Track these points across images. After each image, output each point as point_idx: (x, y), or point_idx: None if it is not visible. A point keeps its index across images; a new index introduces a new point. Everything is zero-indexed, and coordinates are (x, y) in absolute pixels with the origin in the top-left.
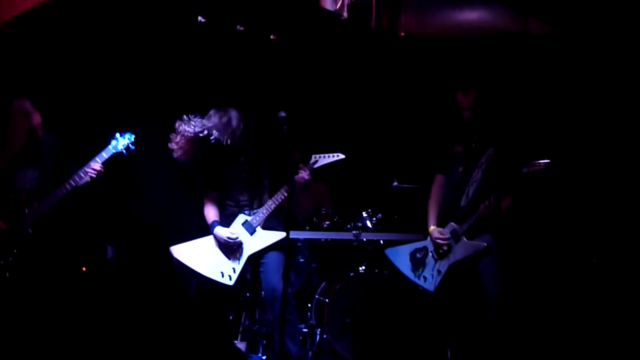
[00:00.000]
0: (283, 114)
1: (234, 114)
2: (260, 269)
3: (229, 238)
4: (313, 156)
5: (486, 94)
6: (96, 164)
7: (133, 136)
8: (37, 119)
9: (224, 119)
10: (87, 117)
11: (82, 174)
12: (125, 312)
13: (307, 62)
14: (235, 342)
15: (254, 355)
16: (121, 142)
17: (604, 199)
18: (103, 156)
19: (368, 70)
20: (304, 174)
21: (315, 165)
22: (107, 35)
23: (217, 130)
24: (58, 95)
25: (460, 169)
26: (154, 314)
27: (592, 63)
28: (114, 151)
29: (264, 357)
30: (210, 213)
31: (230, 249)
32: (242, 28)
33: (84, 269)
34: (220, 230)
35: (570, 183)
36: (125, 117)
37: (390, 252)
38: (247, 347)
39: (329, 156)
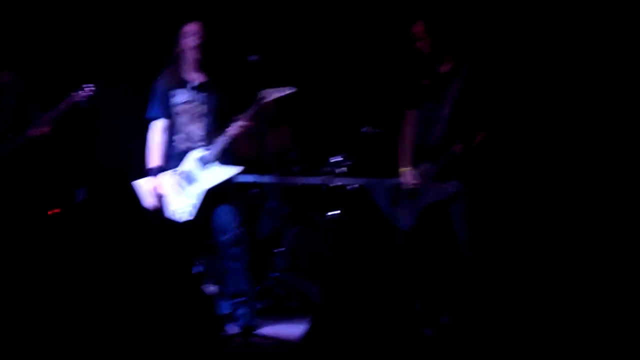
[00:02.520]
0: (255, 57)
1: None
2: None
3: (185, 174)
4: (259, 92)
5: (442, 25)
6: (44, 127)
7: (92, 87)
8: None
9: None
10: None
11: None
12: (95, 254)
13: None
14: (207, 285)
15: (223, 301)
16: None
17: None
18: (58, 109)
19: (333, 10)
20: (243, 123)
21: (264, 101)
22: None
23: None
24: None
25: (428, 104)
26: (120, 256)
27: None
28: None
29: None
30: (156, 151)
31: (181, 186)
32: None
33: (50, 212)
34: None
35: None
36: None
37: (370, 185)
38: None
39: (278, 90)
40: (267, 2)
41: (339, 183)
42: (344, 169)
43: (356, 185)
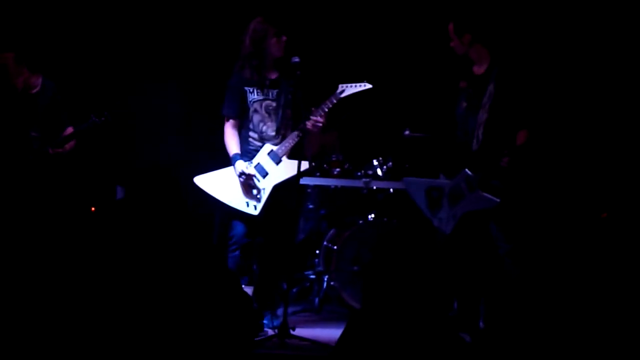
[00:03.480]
0: (297, 59)
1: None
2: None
3: (245, 171)
4: (340, 85)
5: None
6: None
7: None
8: (25, 77)
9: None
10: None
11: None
12: (136, 248)
13: (325, 16)
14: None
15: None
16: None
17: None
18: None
19: (379, 25)
20: (317, 119)
21: (342, 95)
22: None
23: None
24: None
25: (465, 104)
26: (157, 259)
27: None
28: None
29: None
30: (232, 144)
31: (248, 182)
32: None
33: (92, 209)
34: (240, 164)
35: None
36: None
37: (408, 184)
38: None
39: (355, 86)
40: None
41: (380, 186)
42: (385, 171)
43: (396, 188)
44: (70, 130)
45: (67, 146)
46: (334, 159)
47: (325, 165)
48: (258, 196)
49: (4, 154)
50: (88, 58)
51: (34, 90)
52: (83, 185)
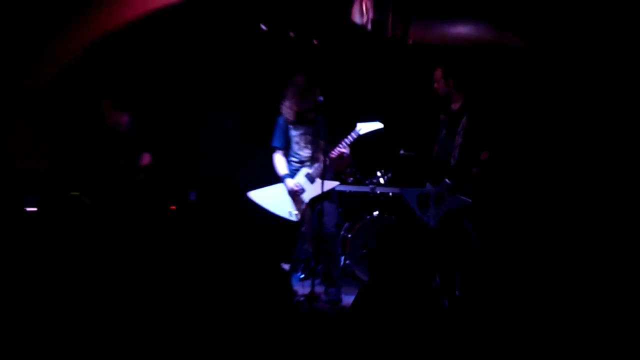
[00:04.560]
0: (321, 98)
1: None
2: (317, 214)
3: (294, 186)
4: (358, 124)
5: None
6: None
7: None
8: (115, 117)
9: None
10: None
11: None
12: (203, 238)
13: (342, 62)
14: (283, 264)
15: (294, 274)
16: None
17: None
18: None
19: (386, 67)
20: (344, 151)
21: (361, 132)
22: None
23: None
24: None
25: (445, 131)
26: (222, 243)
27: (551, 69)
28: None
29: (302, 275)
30: (281, 167)
31: (295, 195)
32: (293, 35)
33: (173, 207)
34: (289, 181)
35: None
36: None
37: (404, 192)
38: (290, 268)
39: (371, 125)
40: (338, 61)
41: (382, 191)
42: (386, 180)
43: (394, 193)
44: (147, 156)
45: (143, 166)
46: (348, 171)
47: (342, 176)
48: (298, 207)
49: (100, 177)
50: (166, 99)
51: (122, 127)
52: (165, 191)
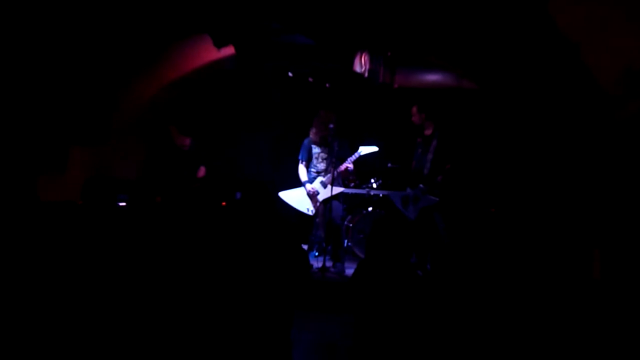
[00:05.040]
0: (332, 126)
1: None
2: (328, 209)
3: (312, 190)
4: (360, 147)
5: (433, 116)
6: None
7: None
8: (181, 140)
9: (324, 125)
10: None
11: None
12: (246, 226)
13: (347, 100)
14: (303, 245)
15: (311, 252)
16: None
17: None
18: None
19: (379, 104)
20: (349, 165)
21: (362, 153)
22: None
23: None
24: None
25: (420, 150)
26: (260, 229)
27: (496, 105)
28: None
29: (316, 254)
30: (303, 175)
31: (312, 196)
32: (311, 80)
33: (224, 203)
34: (308, 186)
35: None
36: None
37: (390, 194)
38: (308, 248)
39: (369, 148)
40: (344, 100)
41: (375, 193)
42: (378, 185)
43: (383, 195)
44: (203, 169)
45: (200, 177)
46: (351, 178)
47: (346, 182)
48: (314, 205)
49: (169, 187)
50: (218, 126)
51: (186, 148)
52: (219, 192)
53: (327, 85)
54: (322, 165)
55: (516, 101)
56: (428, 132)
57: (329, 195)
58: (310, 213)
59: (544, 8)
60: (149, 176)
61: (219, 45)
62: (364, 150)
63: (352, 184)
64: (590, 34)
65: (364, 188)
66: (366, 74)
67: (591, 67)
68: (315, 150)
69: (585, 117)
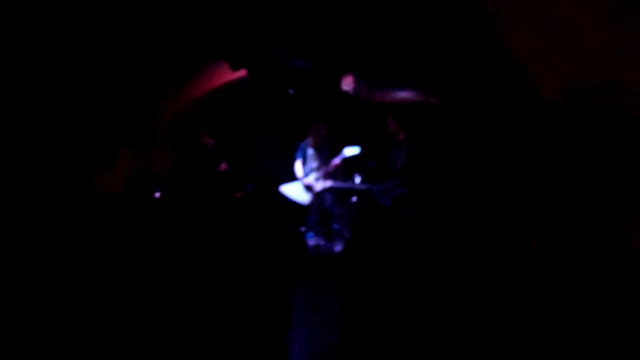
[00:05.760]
0: (324, 132)
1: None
2: (320, 199)
3: (307, 183)
4: (344, 148)
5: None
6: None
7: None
8: (208, 140)
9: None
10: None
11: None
12: (256, 211)
13: (336, 112)
14: (301, 227)
15: (307, 234)
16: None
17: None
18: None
19: (360, 116)
20: (337, 161)
21: (347, 155)
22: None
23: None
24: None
25: (394, 152)
26: (268, 214)
27: (455, 116)
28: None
29: (312, 235)
30: (300, 171)
31: (307, 188)
32: (308, 96)
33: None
34: (304, 180)
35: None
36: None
37: (370, 188)
38: (305, 230)
39: (352, 149)
40: (335, 114)
41: (358, 186)
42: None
43: (365, 187)
44: (224, 164)
45: (221, 170)
46: (338, 173)
47: (334, 177)
48: (308, 196)
49: (195, 179)
50: (235, 130)
51: (210, 147)
52: (234, 184)
53: (320, 100)
54: (314, 164)
55: (473, 113)
56: (400, 137)
57: (321, 188)
58: (306, 202)
59: (496, 37)
60: (179, 173)
61: (235, 68)
62: (347, 151)
63: (340, 179)
64: (537, 59)
65: (348, 182)
66: (351, 92)
67: (537, 85)
68: (310, 152)
69: (530, 125)
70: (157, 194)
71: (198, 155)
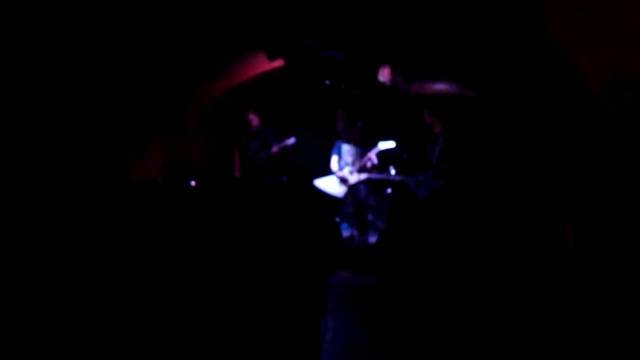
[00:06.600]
0: (359, 124)
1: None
2: (355, 191)
3: (342, 176)
4: (379, 142)
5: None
6: (276, 148)
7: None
8: (255, 120)
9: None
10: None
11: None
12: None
13: (372, 105)
14: (336, 218)
15: (342, 224)
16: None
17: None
18: (281, 144)
19: (397, 108)
20: (372, 157)
21: (381, 147)
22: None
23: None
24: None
25: (429, 144)
26: (304, 204)
27: (494, 109)
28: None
29: (346, 226)
30: (335, 165)
31: (342, 181)
32: (344, 87)
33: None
34: (339, 173)
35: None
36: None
37: (406, 180)
38: (339, 221)
39: (387, 143)
40: (370, 105)
41: (393, 178)
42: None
43: (400, 179)
44: (275, 147)
45: (274, 151)
46: (373, 167)
47: (369, 170)
48: (343, 188)
49: (244, 155)
50: (274, 119)
51: (256, 129)
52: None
53: (357, 91)
54: (350, 159)
55: (512, 105)
56: (437, 130)
57: (355, 181)
58: (341, 195)
59: (541, 28)
60: (213, 161)
61: (272, 58)
62: (382, 145)
63: (375, 171)
64: (581, 48)
65: (384, 174)
66: (388, 84)
67: (582, 76)
68: (345, 146)
69: (575, 116)
70: (192, 182)
71: (247, 136)
